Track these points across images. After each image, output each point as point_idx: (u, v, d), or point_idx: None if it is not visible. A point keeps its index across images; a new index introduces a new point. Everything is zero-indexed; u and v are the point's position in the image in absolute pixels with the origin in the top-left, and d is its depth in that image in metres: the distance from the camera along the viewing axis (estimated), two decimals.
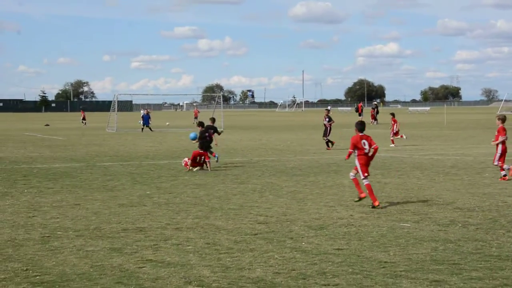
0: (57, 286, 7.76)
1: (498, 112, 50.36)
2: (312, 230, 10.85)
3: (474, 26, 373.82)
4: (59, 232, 10.83)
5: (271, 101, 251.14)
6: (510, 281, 7.81)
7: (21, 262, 8.86)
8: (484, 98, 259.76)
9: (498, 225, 11.20)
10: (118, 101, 56.85)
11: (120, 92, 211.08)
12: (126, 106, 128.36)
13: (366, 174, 13.31)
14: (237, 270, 8.37)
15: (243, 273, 8.25)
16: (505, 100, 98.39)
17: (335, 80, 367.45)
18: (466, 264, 8.57)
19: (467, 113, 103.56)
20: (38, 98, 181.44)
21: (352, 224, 11.36)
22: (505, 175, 17.16)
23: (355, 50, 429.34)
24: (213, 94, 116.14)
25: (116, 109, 53.59)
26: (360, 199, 13.48)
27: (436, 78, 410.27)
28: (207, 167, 20.35)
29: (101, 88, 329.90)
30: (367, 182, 13.25)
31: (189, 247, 9.70)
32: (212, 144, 21.50)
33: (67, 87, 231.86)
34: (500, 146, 17.43)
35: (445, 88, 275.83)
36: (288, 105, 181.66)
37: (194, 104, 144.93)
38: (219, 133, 22.50)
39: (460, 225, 11.24)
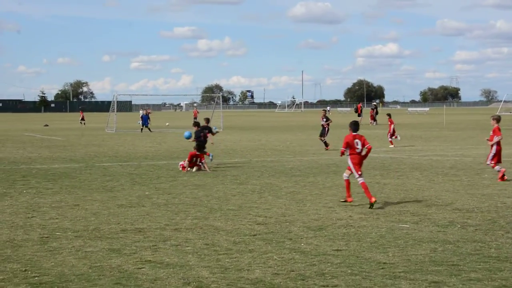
0: (55, 287, 7.76)
1: (497, 113, 50.38)
2: (311, 231, 10.85)
3: (474, 26, 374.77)
4: (58, 233, 10.82)
5: (270, 102, 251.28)
6: (509, 282, 7.82)
7: (20, 263, 8.86)
8: (483, 98, 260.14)
9: (497, 226, 11.21)
10: (117, 102, 56.84)
11: (119, 92, 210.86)
12: (125, 106, 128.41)
13: (359, 173, 13.46)
14: (236, 271, 8.37)
15: (242, 274, 8.25)
16: (505, 101, 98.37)
17: (335, 80, 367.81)
18: (465, 265, 8.57)
19: (467, 114, 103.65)
20: (37, 99, 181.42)
21: (351, 225, 11.36)
22: (503, 175, 17.24)
23: (354, 50, 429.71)
24: (213, 95, 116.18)
25: (115, 110, 53.58)
26: (346, 201, 13.66)
27: (436, 79, 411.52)
28: (204, 168, 20.35)
29: (101, 89, 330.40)
30: (362, 181, 13.38)
31: (188, 248, 9.70)
32: (208, 143, 21.51)
33: (66, 87, 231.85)
34: (495, 146, 17.60)
35: (444, 88, 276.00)
36: (288, 105, 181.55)
37: (195, 105, 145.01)
38: (213, 133, 22.51)
39: (459, 226, 11.24)
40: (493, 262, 8.75)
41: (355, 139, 13.54)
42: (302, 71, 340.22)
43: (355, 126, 13.80)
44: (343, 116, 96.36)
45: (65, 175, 19.39)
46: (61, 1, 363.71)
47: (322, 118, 30.42)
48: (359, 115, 65.55)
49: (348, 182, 13.67)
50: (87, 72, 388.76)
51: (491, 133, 17.82)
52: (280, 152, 27.97)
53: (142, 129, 49.27)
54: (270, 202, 14.03)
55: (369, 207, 13.01)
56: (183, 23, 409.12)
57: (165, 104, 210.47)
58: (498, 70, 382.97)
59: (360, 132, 14.03)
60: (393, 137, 31.23)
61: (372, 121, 61.86)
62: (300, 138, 39.00)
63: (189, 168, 20.22)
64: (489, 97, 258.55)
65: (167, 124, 61.69)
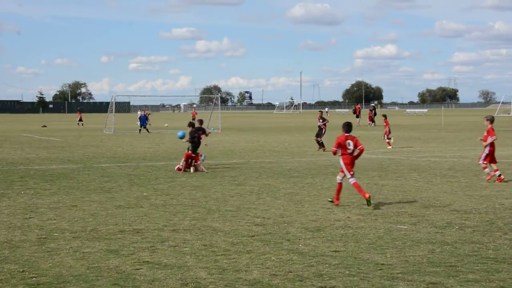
0: None
1: (495, 114, 50.45)
2: (309, 232, 10.85)
3: (472, 28, 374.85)
4: (55, 234, 10.81)
5: (268, 103, 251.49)
6: (507, 283, 7.82)
7: (18, 264, 8.84)
8: (481, 100, 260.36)
9: (495, 227, 11.21)
10: (115, 102, 56.86)
11: (118, 93, 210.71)
12: (123, 107, 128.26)
13: (352, 173, 13.54)
14: (234, 272, 8.36)
15: (240, 275, 8.24)
16: (503, 102, 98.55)
17: (333, 81, 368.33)
18: (462, 266, 8.57)
19: (465, 115, 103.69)
20: (35, 99, 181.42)
21: (349, 226, 11.36)
22: (500, 175, 17.32)
23: (353, 51, 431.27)
24: (211, 96, 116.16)
25: (113, 110, 53.60)
26: (332, 201, 13.73)
27: (434, 80, 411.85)
28: (201, 169, 20.33)
29: (99, 89, 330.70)
30: (354, 181, 13.46)
31: (186, 249, 9.70)
32: (202, 145, 21.48)
33: (64, 88, 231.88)
34: (488, 146, 17.68)
35: (442, 90, 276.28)
36: (286, 106, 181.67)
37: (194, 106, 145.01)
38: (206, 134, 22.49)
39: (457, 227, 11.25)
40: (491, 263, 8.75)
41: (347, 139, 13.63)
42: (301, 72, 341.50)
43: (347, 127, 13.90)
44: (342, 117, 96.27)
45: (63, 176, 19.38)
46: (61, 2, 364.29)
47: (319, 119, 30.79)
48: (357, 117, 65.65)
49: (340, 185, 13.66)
50: (86, 73, 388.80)
51: (485, 133, 17.91)
52: (278, 153, 27.97)
53: (140, 130, 49.29)
54: (268, 203, 14.03)
55: (367, 205, 13.05)
56: (182, 24, 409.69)
57: (163, 105, 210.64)
58: (497, 72, 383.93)
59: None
60: (389, 138, 31.23)
61: (371, 122, 61.93)
62: (298, 139, 38.99)
63: (186, 169, 20.21)
64: (487, 99, 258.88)
65: (166, 125, 61.67)
